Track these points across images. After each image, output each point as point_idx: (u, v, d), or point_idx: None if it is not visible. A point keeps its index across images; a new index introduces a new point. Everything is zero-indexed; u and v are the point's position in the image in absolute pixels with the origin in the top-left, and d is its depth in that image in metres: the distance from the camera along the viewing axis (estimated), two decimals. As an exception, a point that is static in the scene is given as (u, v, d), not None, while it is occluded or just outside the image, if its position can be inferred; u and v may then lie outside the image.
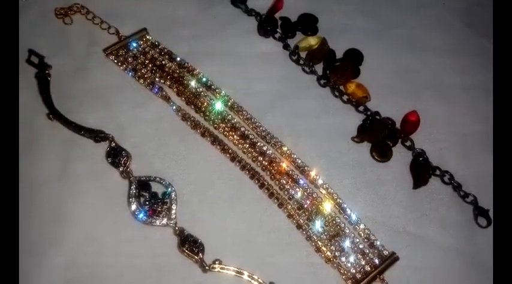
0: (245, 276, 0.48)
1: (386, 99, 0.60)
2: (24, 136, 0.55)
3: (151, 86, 0.59)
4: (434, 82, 0.62)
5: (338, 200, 0.53)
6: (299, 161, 0.55)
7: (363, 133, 0.57)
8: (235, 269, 0.49)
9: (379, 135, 0.57)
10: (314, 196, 0.53)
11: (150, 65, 0.60)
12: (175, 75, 0.60)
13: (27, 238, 0.50)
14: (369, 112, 0.58)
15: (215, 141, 0.56)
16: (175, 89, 0.59)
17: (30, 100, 0.57)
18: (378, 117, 0.58)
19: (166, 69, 0.60)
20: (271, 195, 0.53)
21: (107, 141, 0.54)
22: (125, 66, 0.60)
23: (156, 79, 0.60)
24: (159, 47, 0.62)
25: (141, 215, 0.50)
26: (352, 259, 0.50)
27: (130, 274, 0.49)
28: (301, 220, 0.52)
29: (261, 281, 0.48)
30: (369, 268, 0.49)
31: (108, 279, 0.49)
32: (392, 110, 0.59)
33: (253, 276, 0.48)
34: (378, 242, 0.51)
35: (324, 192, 0.53)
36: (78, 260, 0.49)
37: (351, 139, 0.57)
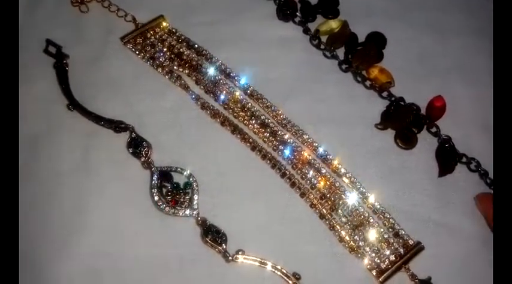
0: (268, 266, 0.48)
1: (410, 84, 0.58)
2: (44, 127, 0.55)
3: (169, 75, 0.58)
4: (459, 65, 0.60)
5: (361, 189, 0.52)
6: (321, 149, 0.54)
7: (386, 120, 0.56)
8: (259, 259, 0.48)
9: (404, 122, 0.55)
10: (337, 185, 0.52)
11: (168, 53, 0.59)
12: (194, 63, 0.59)
13: (49, 228, 0.50)
14: (393, 98, 0.57)
15: (235, 130, 0.55)
16: (193, 78, 0.58)
17: (49, 91, 0.57)
18: (402, 102, 0.56)
19: (185, 57, 0.59)
20: (293, 184, 0.52)
21: (127, 132, 0.54)
22: (142, 54, 0.59)
23: (175, 67, 0.59)
24: (177, 34, 0.60)
25: (163, 206, 0.50)
26: (376, 248, 0.49)
27: (153, 264, 0.49)
28: (324, 210, 0.51)
29: (285, 272, 0.48)
30: (394, 258, 0.49)
31: (130, 269, 0.49)
32: (416, 95, 0.57)
33: (277, 266, 0.48)
34: (403, 232, 0.50)
35: (347, 181, 0.53)
36: (100, 250, 0.49)
37: (374, 126, 0.56)
